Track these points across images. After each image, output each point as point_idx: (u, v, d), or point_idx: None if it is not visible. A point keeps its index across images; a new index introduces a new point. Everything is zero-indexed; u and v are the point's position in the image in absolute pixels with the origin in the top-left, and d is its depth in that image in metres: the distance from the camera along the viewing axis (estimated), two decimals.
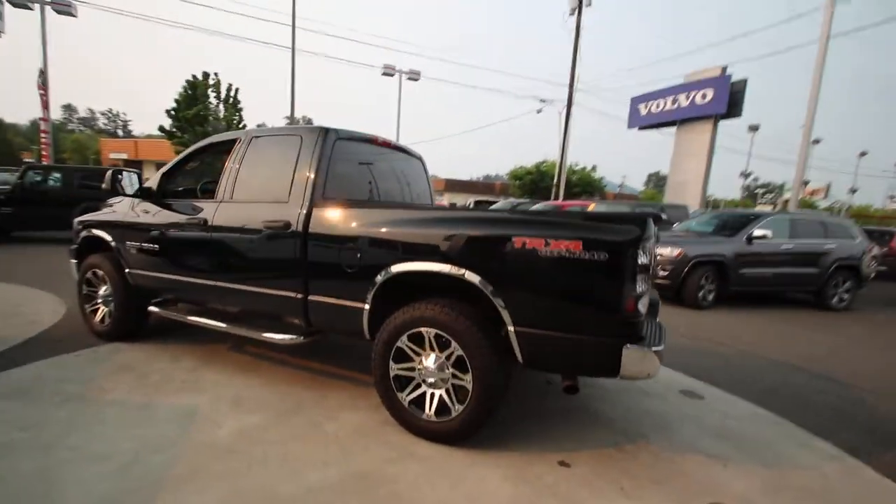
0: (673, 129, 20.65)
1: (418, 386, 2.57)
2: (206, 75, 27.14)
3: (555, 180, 23.86)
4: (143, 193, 3.63)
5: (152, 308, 3.70)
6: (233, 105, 28.77)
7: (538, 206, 11.16)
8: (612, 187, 50.92)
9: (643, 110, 21.26)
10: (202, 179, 4.08)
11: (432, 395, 2.53)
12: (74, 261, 4.13)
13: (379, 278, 2.59)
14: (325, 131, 3.04)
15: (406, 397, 2.58)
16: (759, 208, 40.28)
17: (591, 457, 2.49)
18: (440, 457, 2.39)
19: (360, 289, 2.68)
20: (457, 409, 2.44)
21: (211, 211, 3.27)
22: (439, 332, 2.43)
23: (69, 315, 4.50)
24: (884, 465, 2.62)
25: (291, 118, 17.32)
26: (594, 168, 41.63)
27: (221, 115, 27.84)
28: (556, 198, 23.72)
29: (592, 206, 10.57)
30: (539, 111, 23.86)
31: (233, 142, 3.46)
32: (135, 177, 10.73)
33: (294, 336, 3.04)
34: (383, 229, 2.64)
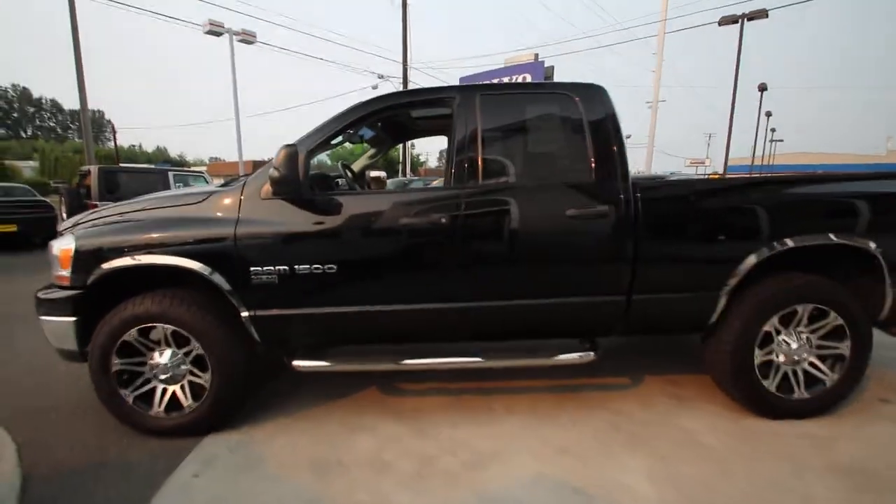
0: None
1: (778, 368, 2.40)
2: None
3: (401, 158, 23.85)
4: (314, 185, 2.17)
5: (303, 364, 2.32)
6: None
7: (436, 183, 10.93)
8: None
9: None
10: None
11: (795, 373, 2.40)
12: (72, 319, 2.23)
13: (752, 259, 2.25)
14: (603, 88, 2.40)
15: (773, 384, 2.38)
16: None
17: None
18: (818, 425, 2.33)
19: (717, 276, 2.29)
20: (832, 377, 2.39)
21: (449, 205, 2.22)
22: (818, 305, 2.31)
23: (32, 433, 2.43)
24: None
25: (83, 106, 11.98)
26: (413, 145, 43.30)
27: None
28: (404, 174, 23.87)
29: None
30: (375, 87, 23.11)
31: (434, 102, 2.40)
32: None
33: (583, 353, 2.41)
34: (760, 203, 2.29)
